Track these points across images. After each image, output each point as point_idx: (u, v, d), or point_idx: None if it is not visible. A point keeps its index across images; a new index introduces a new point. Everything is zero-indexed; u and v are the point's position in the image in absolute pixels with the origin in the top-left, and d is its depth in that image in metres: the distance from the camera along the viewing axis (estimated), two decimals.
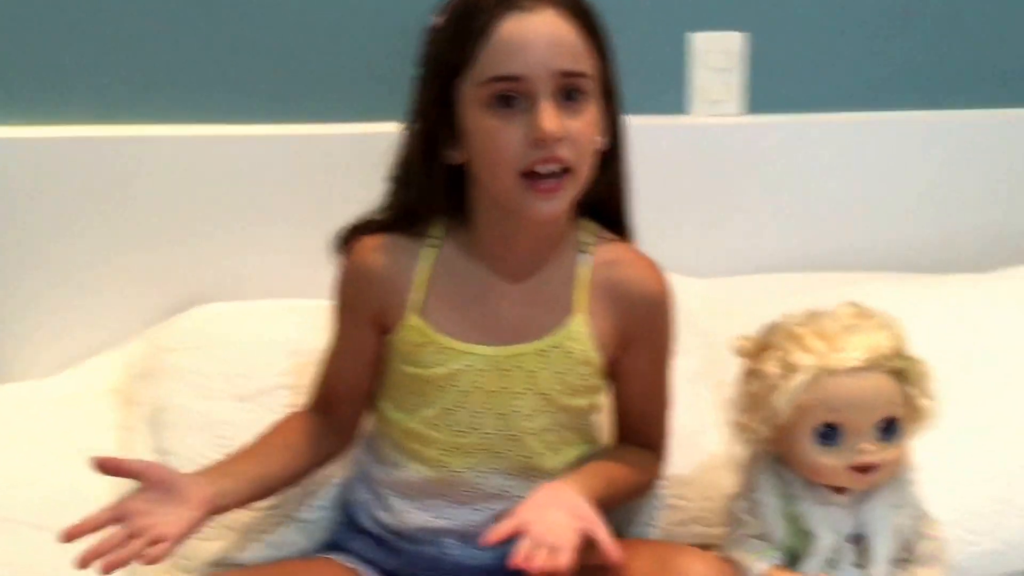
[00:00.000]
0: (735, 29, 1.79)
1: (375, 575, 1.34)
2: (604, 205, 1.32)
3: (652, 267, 1.33)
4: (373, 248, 1.30)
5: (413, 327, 1.28)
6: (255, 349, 1.55)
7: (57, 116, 1.68)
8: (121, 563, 1.14)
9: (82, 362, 1.73)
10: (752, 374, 1.31)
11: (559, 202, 1.20)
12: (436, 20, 1.22)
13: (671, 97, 1.81)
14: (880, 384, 1.25)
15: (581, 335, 1.28)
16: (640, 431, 1.37)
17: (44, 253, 1.71)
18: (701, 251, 1.85)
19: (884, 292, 1.61)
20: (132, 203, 1.71)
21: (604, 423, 1.41)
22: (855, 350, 1.24)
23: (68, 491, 1.46)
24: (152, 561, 1.15)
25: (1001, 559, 1.47)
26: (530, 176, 1.18)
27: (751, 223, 1.86)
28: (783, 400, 1.25)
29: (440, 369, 1.28)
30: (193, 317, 1.67)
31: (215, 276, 1.75)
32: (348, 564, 1.34)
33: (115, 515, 1.17)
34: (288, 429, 1.36)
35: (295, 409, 1.41)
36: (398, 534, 1.35)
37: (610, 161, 1.28)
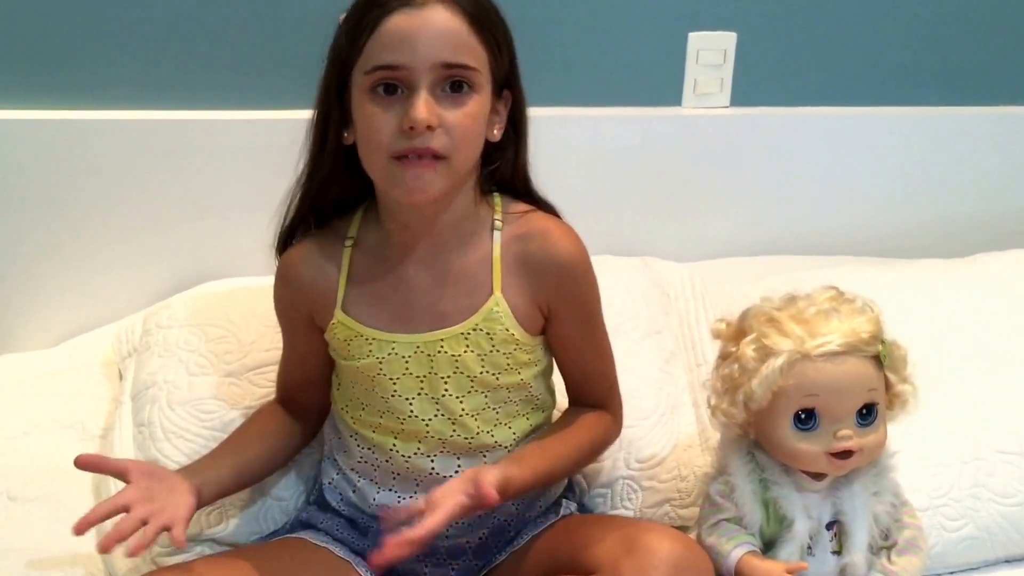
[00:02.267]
0: (723, 29, 1.84)
1: (346, 554, 1.35)
2: (512, 185, 1.33)
3: (561, 232, 1.31)
4: (296, 258, 1.33)
5: (339, 323, 1.31)
6: (246, 327, 1.56)
7: (60, 100, 1.70)
8: (145, 546, 1.18)
9: (79, 336, 1.76)
10: (729, 357, 1.30)
11: (428, 184, 1.20)
12: (341, 16, 1.24)
13: (669, 90, 1.86)
14: (859, 369, 1.24)
15: (500, 315, 1.29)
16: (586, 391, 1.38)
17: (46, 232, 1.73)
18: (686, 235, 1.88)
19: (860, 276, 1.63)
20: (133, 185, 1.73)
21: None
22: (833, 334, 1.24)
23: (47, 463, 1.48)
24: (178, 544, 1.20)
25: (979, 546, 1.47)
26: (399, 158, 1.20)
27: (736, 210, 1.91)
28: (760, 384, 1.24)
29: (368, 360, 1.30)
30: (187, 295, 1.69)
31: (212, 256, 1.77)
32: (319, 543, 1.35)
33: (119, 506, 1.21)
34: (261, 421, 1.41)
35: (266, 400, 1.45)
36: (368, 514, 1.36)
37: (513, 147, 1.30)
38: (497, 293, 1.29)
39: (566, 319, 1.32)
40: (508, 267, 1.29)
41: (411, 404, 1.30)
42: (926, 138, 1.93)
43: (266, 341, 1.53)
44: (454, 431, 1.31)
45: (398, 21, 1.18)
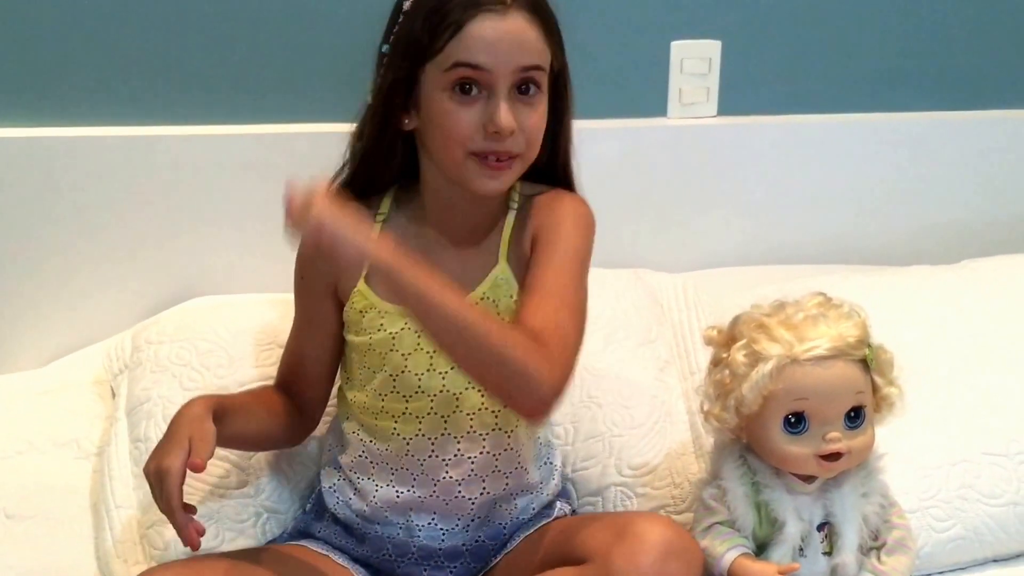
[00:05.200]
0: (706, 37, 1.86)
1: (345, 561, 1.37)
2: (547, 171, 1.38)
3: (571, 194, 1.38)
4: None
5: (359, 293, 1.35)
6: (235, 341, 1.57)
7: (41, 117, 1.70)
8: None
9: (68, 355, 1.76)
10: (720, 363, 1.32)
11: (504, 181, 1.30)
12: (406, 2, 1.28)
13: (654, 101, 1.87)
14: (846, 373, 1.27)
15: (503, 282, 1.34)
16: (525, 305, 1.26)
17: (34, 250, 1.73)
18: (676, 245, 1.90)
19: (850, 284, 1.64)
20: (115, 203, 1.73)
21: None
22: (821, 339, 1.26)
23: (43, 482, 1.49)
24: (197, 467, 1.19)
25: (967, 546, 1.49)
26: (480, 155, 1.27)
27: (725, 219, 1.92)
28: (750, 389, 1.26)
29: (381, 333, 1.33)
30: (176, 311, 1.70)
31: (200, 273, 1.78)
32: (319, 550, 1.37)
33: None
34: (268, 397, 1.41)
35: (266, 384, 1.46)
36: (367, 518, 1.37)
37: (555, 136, 1.36)
38: (502, 262, 1.34)
39: (541, 249, 1.31)
40: (516, 233, 1.35)
41: (419, 379, 1.33)
42: (914, 144, 1.95)
43: (256, 358, 1.54)
44: (457, 406, 1.33)
45: (485, 24, 1.24)
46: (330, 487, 1.40)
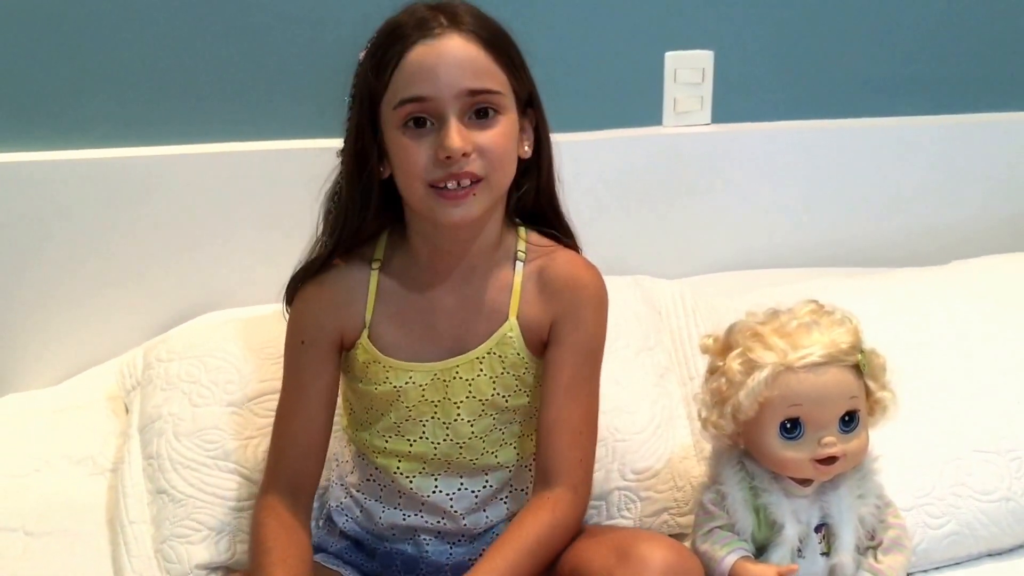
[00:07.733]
0: (699, 47, 1.89)
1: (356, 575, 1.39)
2: (539, 210, 1.36)
3: (581, 261, 1.35)
4: (326, 281, 1.35)
5: (362, 346, 1.34)
6: (244, 357, 1.59)
7: (49, 141, 1.73)
8: None
9: (82, 373, 1.79)
10: (717, 371, 1.35)
11: (469, 208, 1.25)
12: (362, 53, 1.28)
13: (649, 110, 1.90)
14: (840, 378, 1.29)
15: (512, 340, 1.32)
16: (553, 444, 1.31)
17: (47, 269, 1.76)
18: (673, 252, 1.93)
19: (842, 286, 1.68)
20: (129, 221, 1.76)
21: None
22: (814, 346, 1.28)
23: (60, 498, 1.51)
24: None
25: (962, 541, 1.51)
26: (438, 186, 1.24)
27: (721, 225, 1.95)
28: (746, 396, 1.29)
29: (386, 386, 1.34)
30: (187, 328, 1.72)
31: (208, 288, 1.81)
32: (330, 566, 1.39)
33: None
34: (285, 544, 1.29)
35: (261, 509, 1.34)
36: (376, 535, 1.40)
37: (537, 169, 1.33)
38: (512, 319, 1.32)
39: (564, 344, 1.32)
40: (526, 294, 1.33)
41: (424, 427, 1.34)
42: (904, 149, 1.98)
43: (264, 372, 1.56)
44: (461, 453, 1.35)
45: (420, 53, 1.22)
46: (338, 505, 1.42)
